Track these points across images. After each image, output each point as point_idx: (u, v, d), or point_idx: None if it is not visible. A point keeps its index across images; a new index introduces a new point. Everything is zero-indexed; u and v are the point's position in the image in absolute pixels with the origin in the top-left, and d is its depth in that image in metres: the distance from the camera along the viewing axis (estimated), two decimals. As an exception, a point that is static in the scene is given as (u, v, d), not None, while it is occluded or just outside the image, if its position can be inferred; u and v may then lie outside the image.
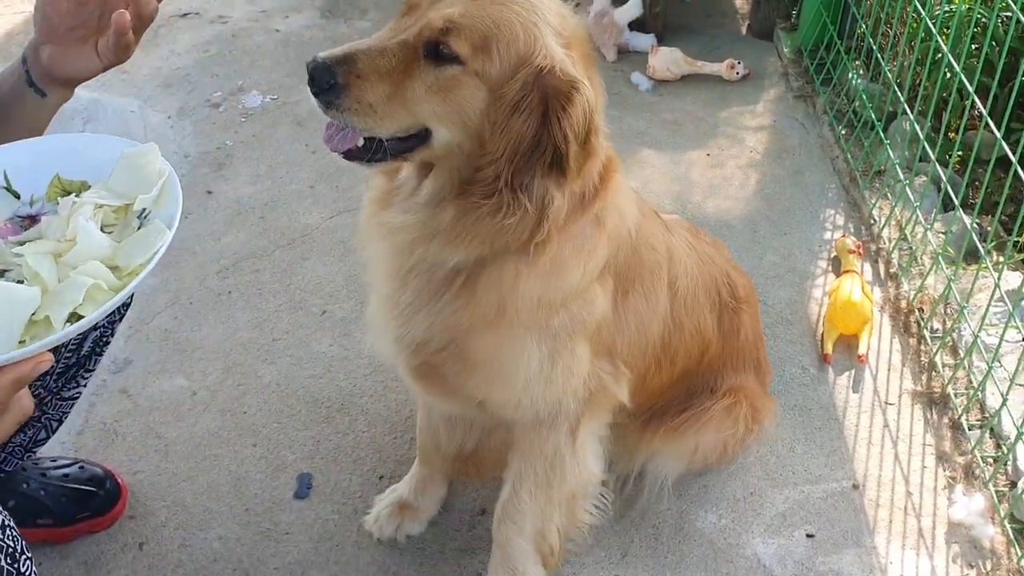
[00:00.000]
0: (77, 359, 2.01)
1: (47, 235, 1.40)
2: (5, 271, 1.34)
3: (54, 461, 2.34)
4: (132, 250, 1.36)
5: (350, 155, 1.60)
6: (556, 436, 1.91)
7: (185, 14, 4.48)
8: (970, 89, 2.64)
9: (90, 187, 1.46)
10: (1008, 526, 2.28)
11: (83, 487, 2.30)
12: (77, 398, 2.13)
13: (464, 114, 1.51)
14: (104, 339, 2.05)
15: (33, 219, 1.46)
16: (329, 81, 1.47)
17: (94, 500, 2.31)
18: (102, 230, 1.39)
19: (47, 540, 2.28)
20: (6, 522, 1.52)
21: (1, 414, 1.23)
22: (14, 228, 1.45)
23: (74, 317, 1.27)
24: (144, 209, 1.43)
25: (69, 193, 1.47)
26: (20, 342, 1.24)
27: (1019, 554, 2.23)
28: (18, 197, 1.50)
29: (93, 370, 2.10)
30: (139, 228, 1.40)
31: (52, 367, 1.77)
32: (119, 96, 3.77)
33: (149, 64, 4.08)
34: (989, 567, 2.25)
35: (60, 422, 2.15)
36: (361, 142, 1.58)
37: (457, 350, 1.76)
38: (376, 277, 1.83)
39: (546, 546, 2.05)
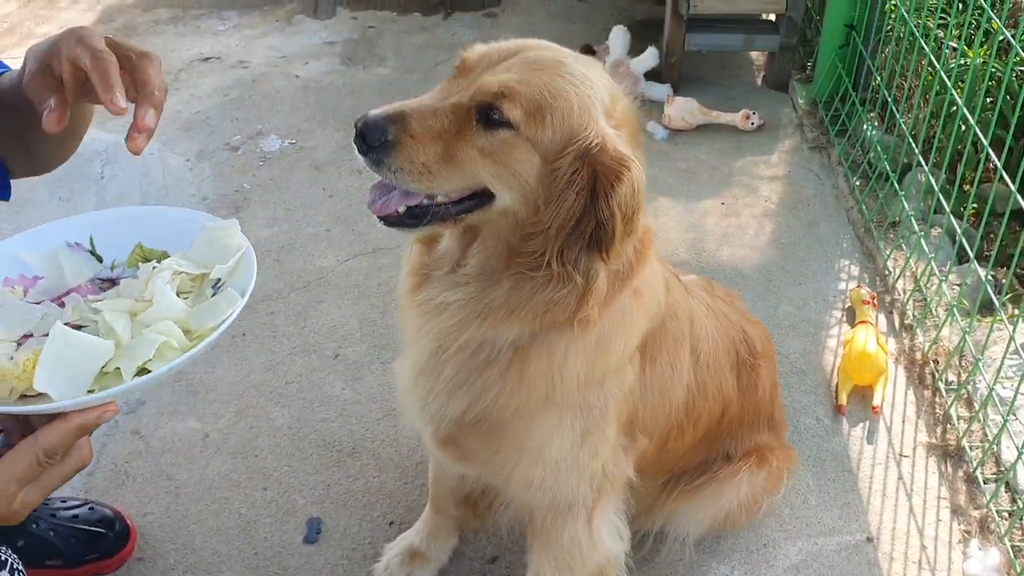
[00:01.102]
0: None
1: (125, 295, 1.44)
2: (82, 326, 1.38)
3: (64, 502, 2.34)
4: (204, 315, 1.40)
5: (390, 221, 1.56)
6: (573, 524, 1.88)
7: (207, 58, 4.55)
8: (985, 142, 2.65)
9: (169, 256, 1.51)
10: (1025, 583, 2.25)
11: (92, 528, 2.30)
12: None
13: (520, 177, 1.49)
14: None
15: (113, 282, 1.52)
16: (380, 138, 1.45)
17: (103, 542, 2.30)
18: (178, 295, 1.42)
19: None
20: (15, 565, 1.52)
21: (63, 459, 1.24)
22: (94, 289, 1.51)
23: (142, 372, 1.30)
24: (219, 279, 1.47)
25: (149, 260, 1.52)
26: (89, 391, 1.27)
27: (1036, 612, 2.20)
28: (101, 260, 1.56)
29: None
30: (213, 296, 1.44)
31: None
32: (140, 139, 3.81)
33: (170, 107, 4.13)
34: (1006, 625, 2.22)
35: None
36: (403, 209, 1.55)
37: (492, 426, 1.73)
38: (414, 350, 1.77)
39: None
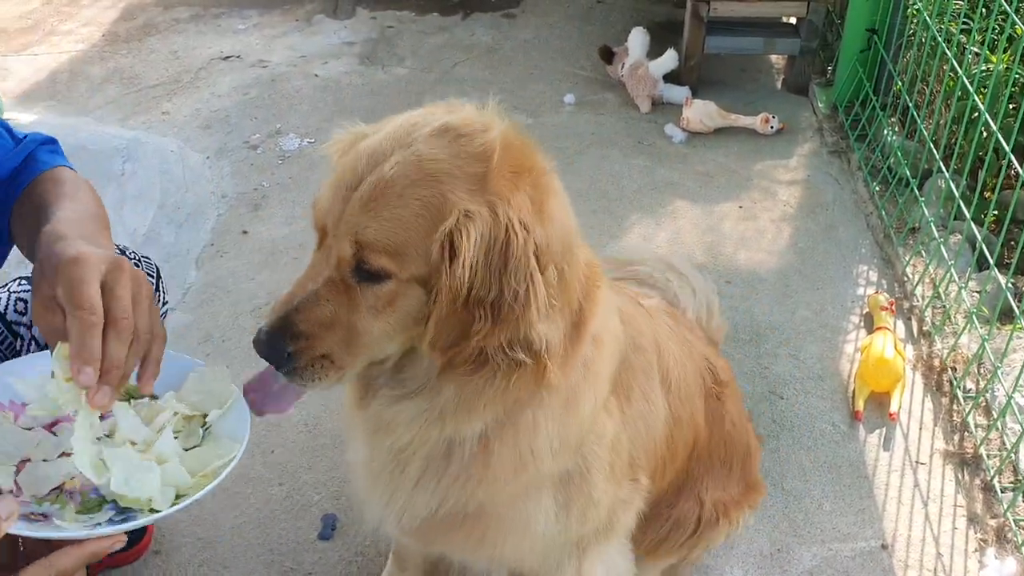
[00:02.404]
0: None
1: (122, 427, 1.46)
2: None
3: None
4: (205, 456, 1.45)
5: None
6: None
7: (227, 57, 4.57)
8: (1007, 148, 2.63)
9: (156, 396, 1.52)
10: (1042, 592, 2.24)
11: None
12: None
13: (420, 314, 1.38)
14: None
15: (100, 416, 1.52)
16: (284, 357, 1.38)
17: None
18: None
19: None
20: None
21: None
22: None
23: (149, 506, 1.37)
24: (209, 424, 1.52)
25: (132, 396, 1.52)
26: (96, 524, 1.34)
27: (1053, 622, 2.19)
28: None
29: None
30: (202, 439, 1.49)
31: None
32: (159, 136, 3.84)
33: (190, 105, 4.16)
34: (1022, 634, 2.20)
35: None
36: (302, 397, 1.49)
37: (470, 517, 1.63)
38: (366, 459, 1.68)
39: None
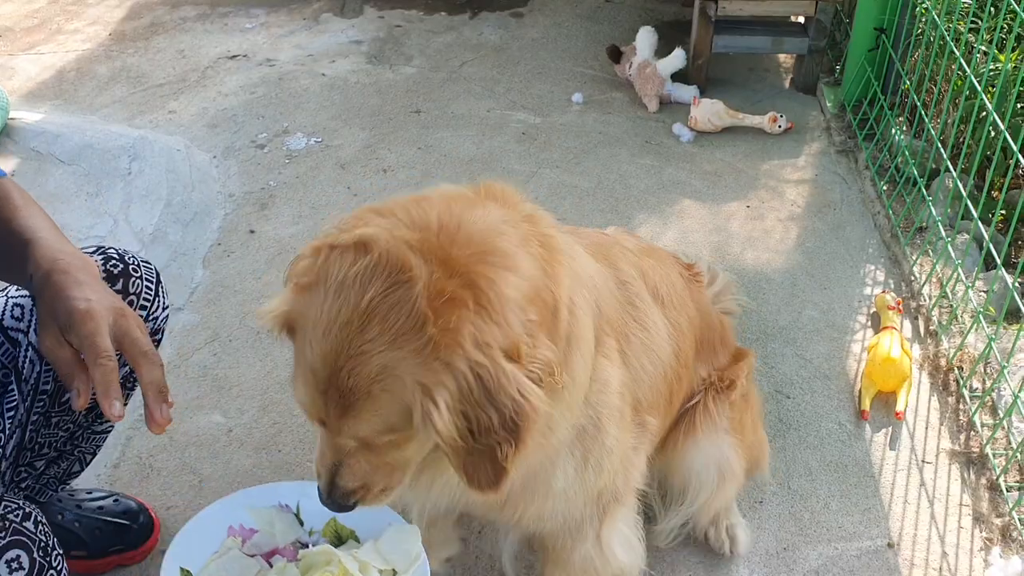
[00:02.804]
0: None
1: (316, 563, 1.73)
2: None
3: (89, 493, 2.37)
4: None
5: None
6: (583, 544, 1.86)
7: (234, 56, 4.58)
8: (1014, 147, 2.63)
9: (358, 538, 1.81)
10: (1048, 593, 2.24)
11: (117, 520, 2.32)
12: (109, 431, 2.15)
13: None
14: (131, 379, 2.06)
15: (305, 546, 1.81)
16: (349, 506, 1.53)
17: (128, 534, 2.32)
18: None
19: (79, 572, 2.30)
20: (38, 518, 1.56)
21: None
22: (293, 552, 1.79)
23: None
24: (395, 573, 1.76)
25: (340, 535, 1.82)
26: None
27: (1059, 622, 2.18)
28: (302, 524, 1.86)
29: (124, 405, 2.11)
30: None
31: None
32: (166, 135, 3.85)
33: (196, 104, 4.17)
34: (1028, 634, 2.20)
35: (93, 454, 2.17)
36: None
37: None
38: None
39: None
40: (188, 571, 1.76)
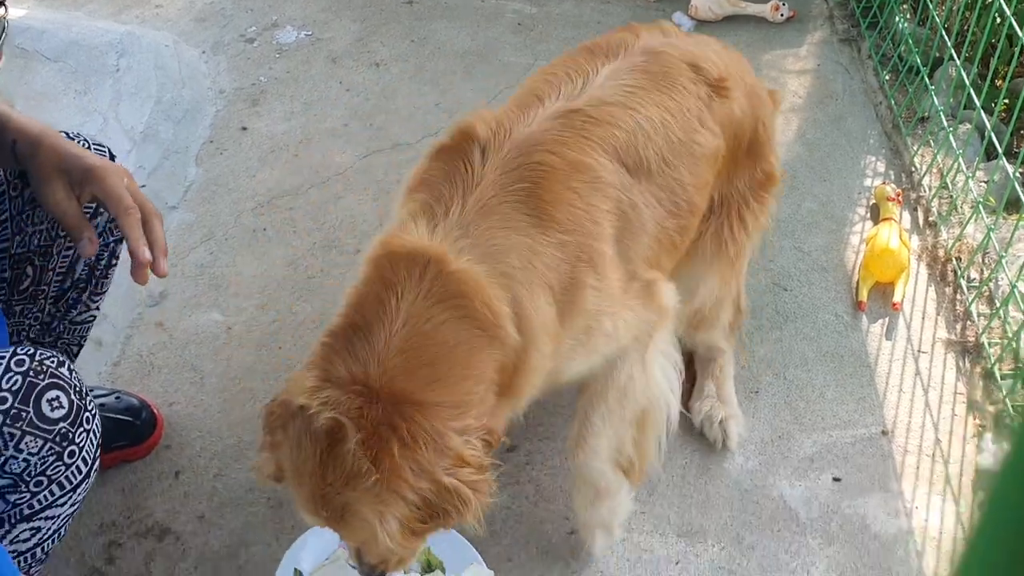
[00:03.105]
0: (72, 282, 2.01)
1: None
2: None
3: (91, 391, 2.39)
4: None
5: None
6: (628, 367, 1.92)
7: (221, -52, 4.45)
8: (1021, 34, 2.58)
9: (444, 570, 1.99)
10: (1038, 476, 2.28)
11: (120, 417, 2.35)
12: (90, 322, 2.14)
13: None
14: (102, 263, 2.06)
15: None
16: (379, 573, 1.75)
17: (131, 429, 2.36)
18: None
19: None
20: (71, 367, 1.64)
21: None
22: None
23: None
24: None
25: (431, 564, 1.99)
26: None
27: (1048, 504, 2.23)
28: None
29: (102, 292, 2.11)
30: None
31: (45, 291, 1.90)
32: (153, 30, 3.76)
33: (185, -1, 4.07)
34: (1017, 516, 2.25)
35: (79, 346, 2.16)
36: None
37: None
38: None
39: (624, 460, 2.06)
40: (300, 572, 2.05)
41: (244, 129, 3.38)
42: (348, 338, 1.62)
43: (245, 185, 3.16)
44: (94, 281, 2.07)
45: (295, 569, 2.04)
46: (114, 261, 2.11)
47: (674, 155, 1.88)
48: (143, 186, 3.01)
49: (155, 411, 2.42)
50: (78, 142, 1.92)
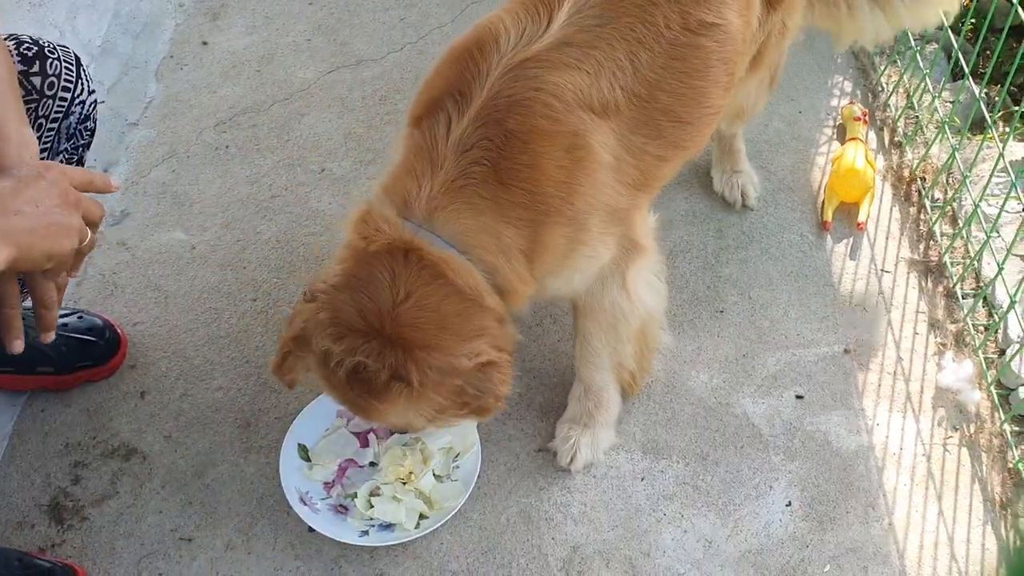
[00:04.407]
0: None
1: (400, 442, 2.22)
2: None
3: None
4: (444, 492, 2.13)
5: None
6: (611, 291, 2.03)
7: None
8: (990, -49, 2.56)
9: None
10: (994, 392, 2.33)
11: (82, 336, 2.32)
12: None
13: None
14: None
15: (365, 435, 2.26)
16: None
17: (94, 349, 2.33)
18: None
19: (48, 387, 2.32)
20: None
21: None
22: (386, 431, 2.23)
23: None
24: (458, 454, 2.20)
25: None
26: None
27: (1002, 418, 2.29)
28: None
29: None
30: (454, 469, 2.18)
31: None
32: (110, -59, 3.63)
33: (140, -93, 3.92)
34: (973, 430, 2.30)
35: None
36: None
37: None
38: None
39: (626, 373, 2.24)
40: (304, 446, 2.20)
41: (205, 44, 3.30)
42: (353, 296, 1.76)
43: (207, 101, 3.09)
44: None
45: (298, 444, 2.20)
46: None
47: (651, 82, 1.84)
48: (102, 102, 2.95)
49: (119, 331, 2.40)
50: (16, 43, 1.89)
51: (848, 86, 3.20)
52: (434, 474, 2.16)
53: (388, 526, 2.08)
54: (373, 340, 1.72)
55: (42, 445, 2.28)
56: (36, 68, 1.88)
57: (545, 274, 1.89)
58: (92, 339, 2.33)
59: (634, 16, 1.82)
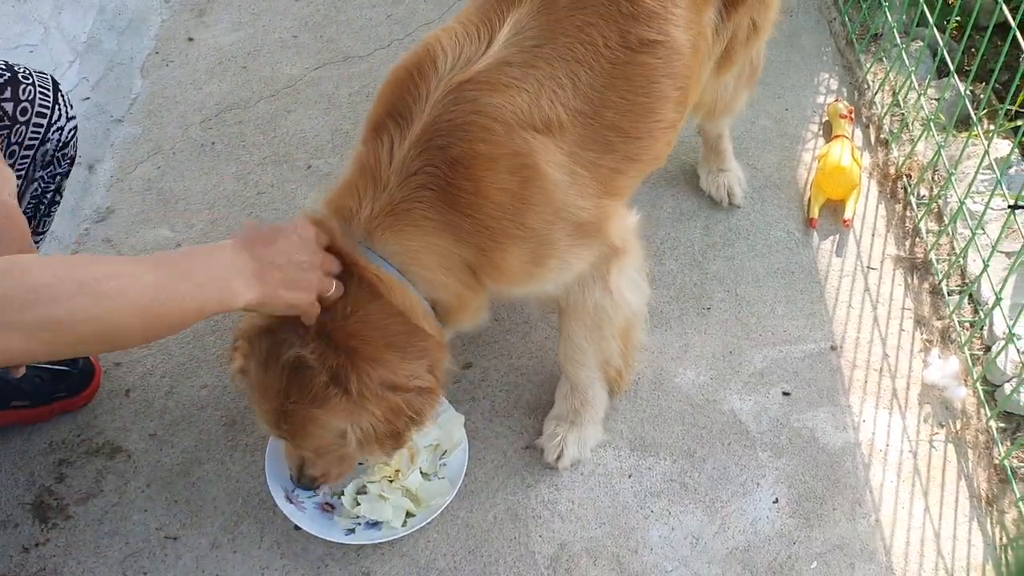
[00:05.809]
0: None
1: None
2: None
3: None
4: (431, 489, 2.12)
5: None
6: (592, 292, 2.02)
7: None
8: (975, -51, 2.56)
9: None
10: (979, 388, 2.34)
11: (56, 367, 2.26)
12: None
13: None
14: (47, 198, 2.02)
15: None
16: (316, 486, 2.02)
17: (68, 379, 2.28)
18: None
19: (24, 422, 2.27)
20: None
21: None
22: None
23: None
24: (445, 451, 2.19)
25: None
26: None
27: (988, 414, 2.29)
28: None
29: (43, 232, 2.09)
30: (437, 470, 2.17)
31: None
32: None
33: (125, -97, 3.90)
34: (958, 427, 2.31)
35: None
36: None
37: None
38: None
39: (612, 370, 2.24)
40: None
41: (191, 40, 3.29)
42: None
43: (192, 98, 3.08)
44: (38, 218, 2.02)
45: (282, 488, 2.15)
46: (58, 198, 2.05)
47: (593, 100, 1.83)
48: (87, 98, 2.93)
49: (92, 360, 2.33)
50: (14, 71, 1.87)
51: (834, 83, 3.21)
52: (421, 472, 2.15)
53: (375, 524, 2.08)
54: (319, 340, 1.70)
55: (26, 443, 2.26)
56: (8, 94, 1.86)
57: (511, 287, 1.91)
58: (66, 368, 2.26)
59: (572, 36, 1.82)
